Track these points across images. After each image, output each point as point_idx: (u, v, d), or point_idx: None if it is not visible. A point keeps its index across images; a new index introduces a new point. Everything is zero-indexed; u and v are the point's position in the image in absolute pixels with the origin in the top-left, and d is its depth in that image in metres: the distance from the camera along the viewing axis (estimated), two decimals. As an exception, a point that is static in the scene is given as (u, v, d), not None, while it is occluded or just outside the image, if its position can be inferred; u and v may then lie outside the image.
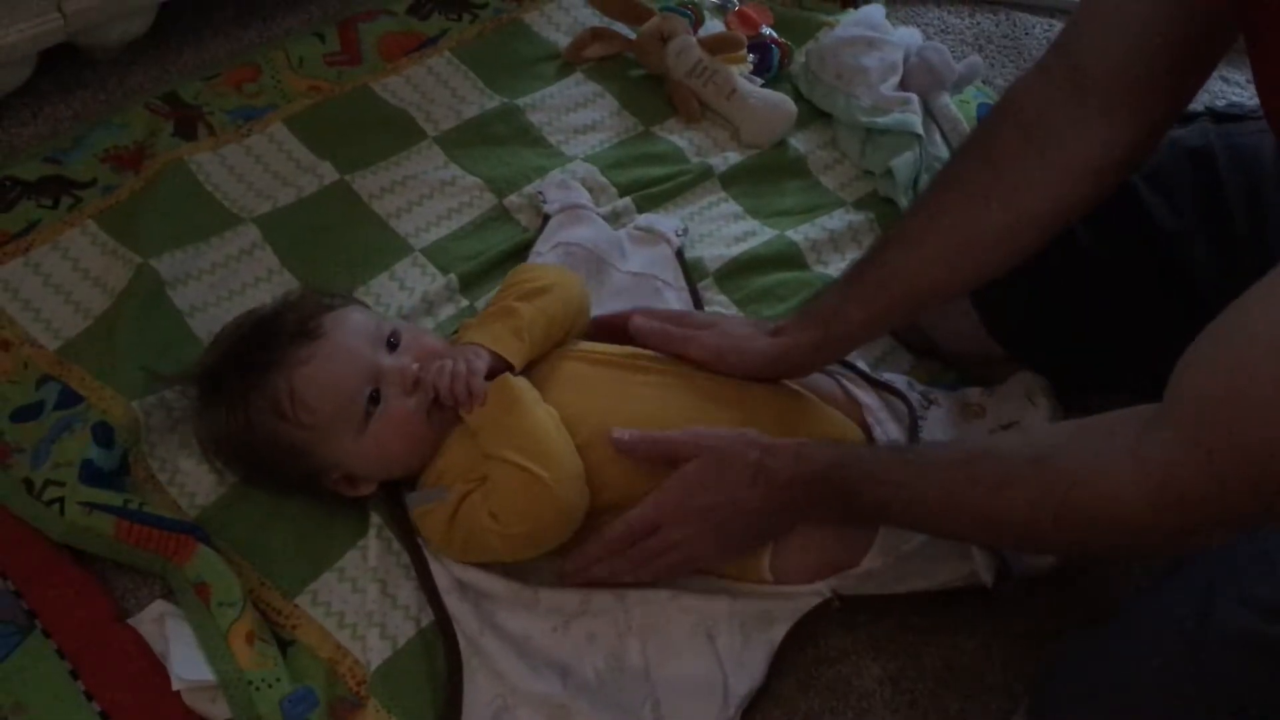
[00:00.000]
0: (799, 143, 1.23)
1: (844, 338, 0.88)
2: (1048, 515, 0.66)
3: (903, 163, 1.16)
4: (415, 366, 0.83)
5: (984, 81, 1.35)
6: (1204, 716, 0.67)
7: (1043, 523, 0.67)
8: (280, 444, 0.82)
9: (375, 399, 0.82)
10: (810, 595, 0.85)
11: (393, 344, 0.84)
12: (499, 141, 1.17)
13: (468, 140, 1.16)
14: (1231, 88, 1.43)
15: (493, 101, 1.20)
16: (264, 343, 0.83)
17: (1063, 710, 0.76)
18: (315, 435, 0.82)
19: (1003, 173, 0.80)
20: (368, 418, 0.82)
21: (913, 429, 0.89)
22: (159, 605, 0.82)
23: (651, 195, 1.14)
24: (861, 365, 0.97)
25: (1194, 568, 0.73)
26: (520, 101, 1.21)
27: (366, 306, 0.96)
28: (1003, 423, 0.95)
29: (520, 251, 1.07)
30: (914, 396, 0.95)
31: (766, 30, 1.30)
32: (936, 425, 0.94)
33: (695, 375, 0.88)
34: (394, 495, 0.87)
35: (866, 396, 0.93)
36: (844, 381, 0.94)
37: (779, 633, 0.84)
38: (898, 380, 0.96)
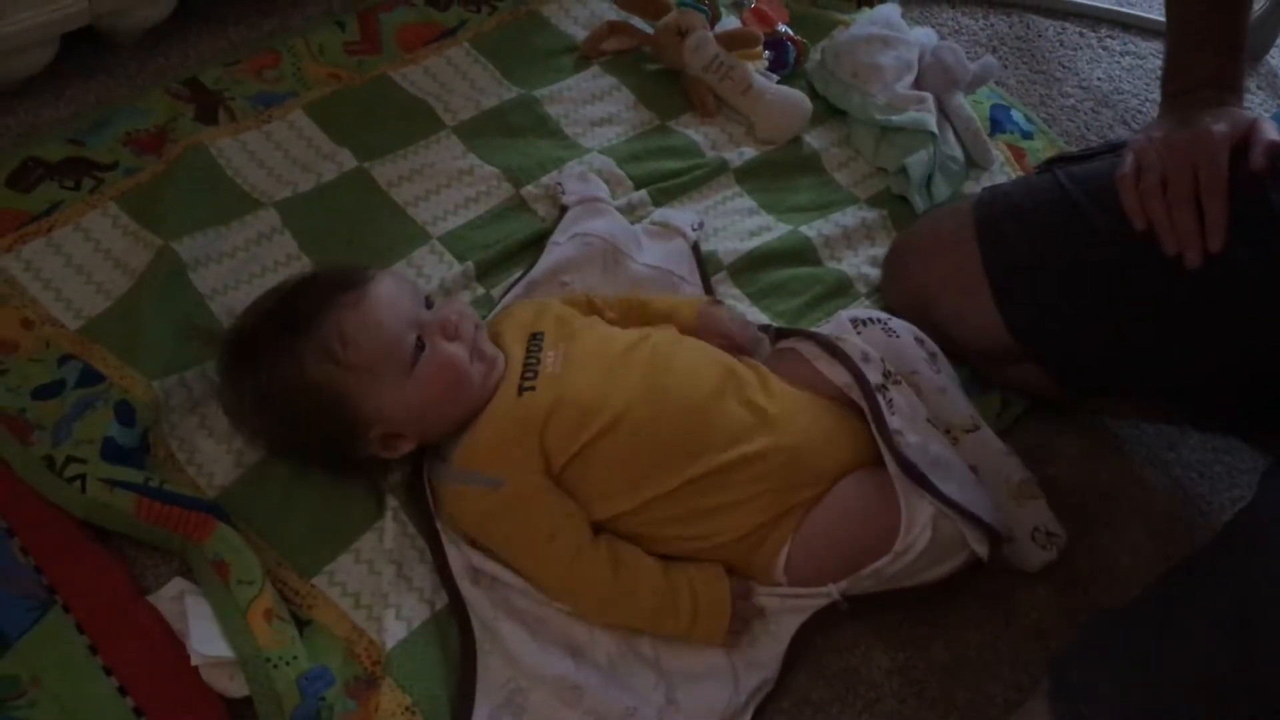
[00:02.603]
0: (813, 139, 1.24)
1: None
2: None
3: (916, 161, 1.17)
4: (455, 315, 0.86)
5: (997, 82, 1.36)
6: (1246, 705, 0.67)
7: None
8: (325, 392, 0.83)
9: (421, 347, 0.84)
10: (818, 597, 0.86)
11: (428, 305, 0.88)
12: (516, 132, 1.18)
13: (485, 130, 1.17)
14: None
15: (510, 93, 1.21)
16: (310, 294, 0.85)
17: (1091, 698, 0.76)
18: (362, 380, 0.83)
19: None
20: (413, 363, 0.84)
21: (876, 414, 0.87)
22: (178, 583, 0.82)
23: (667, 189, 1.15)
24: (841, 320, 0.95)
25: (1224, 553, 0.73)
26: (538, 93, 1.21)
27: None
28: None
29: (537, 241, 1.08)
30: (921, 352, 0.94)
31: (782, 27, 1.30)
32: (954, 388, 0.95)
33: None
34: (411, 479, 0.89)
35: (840, 374, 0.91)
36: (815, 364, 0.92)
37: (787, 632, 0.85)
38: (902, 328, 0.95)
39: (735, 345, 0.95)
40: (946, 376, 0.95)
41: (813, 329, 0.98)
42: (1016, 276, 0.96)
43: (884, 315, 0.96)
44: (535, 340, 0.90)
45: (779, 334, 0.99)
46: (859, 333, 0.93)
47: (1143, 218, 0.88)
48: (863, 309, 1.00)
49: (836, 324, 0.95)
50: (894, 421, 0.87)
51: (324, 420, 0.84)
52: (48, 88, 1.13)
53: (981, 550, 0.84)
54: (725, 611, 0.83)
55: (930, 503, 0.84)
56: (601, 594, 0.83)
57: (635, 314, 0.97)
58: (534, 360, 0.88)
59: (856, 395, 0.90)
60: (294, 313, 0.84)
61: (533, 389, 0.86)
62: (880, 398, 0.88)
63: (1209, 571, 0.74)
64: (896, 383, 0.90)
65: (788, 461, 0.85)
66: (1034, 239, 0.96)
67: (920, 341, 0.95)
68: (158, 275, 0.97)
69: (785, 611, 0.86)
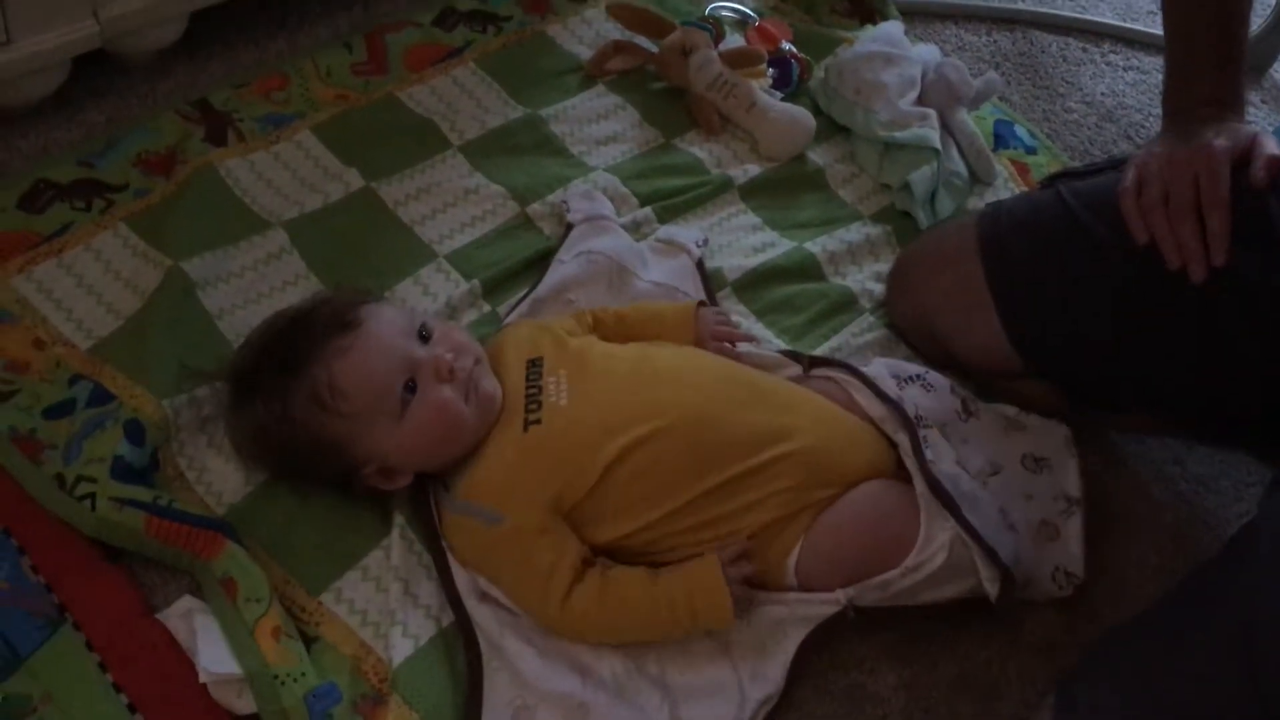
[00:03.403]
0: (817, 156, 1.25)
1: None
2: None
3: (920, 177, 1.17)
4: (449, 356, 0.85)
5: (1000, 98, 1.37)
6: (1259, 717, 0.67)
7: None
8: (319, 437, 0.84)
9: (411, 388, 0.84)
10: (826, 605, 0.85)
11: (424, 336, 0.87)
12: (522, 151, 1.19)
13: (491, 149, 1.18)
14: None
15: (516, 112, 1.22)
16: (301, 336, 0.85)
17: (1096, 713, 0.76)
18: (354, 426, 0.83)
19: None
20: (404, 406, 0.84)
21: (915, 443, 0.89)
22: (186, 600, 0.83)
23: (671, 206, 1.16)
24: (881, 370, 0.97)
25: (1228, 568, 0.73)
26: (543, 112, 1.22)
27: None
28: (1038, 454, 0.96)
29: (543, 259, 1.08)
30: (955, 402, 0.96)
31: (786, 45, 1.31)
32: (976, 438, 0.95)
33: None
34: (417, 496, 0.89)
35: (876, 407, 0.93)
36: (853, 393, 0.94)
37: (794, 642, 0.85)
38: (939, 382, 0.97)
39: (730, 341, 0.97)
40: (973, 425, 0.96)
41: (852, 365, 0.98)
42: (1020, 291, 0.96)
43: (922, 370, 0.97)
44: (534, 366, 0.89)
45: (813, 363, 0.99)
46: (901, 389, 0.94)
47: (1144, 231, 0.89)
48: (902, 363, 1.00)
49: (876, 373, 0.96)
50: (928, 452, 0.88)
51: (319, 458, 0.85)
52: (59, 110, 1.15)
53: (992, 590, 0.84)
54: (724, 593, 0.81)
55: (952, 527, 0.84)
56: (595, 625, 0.82)
57: (615, 329, 0.97)
58: (535, 389, 0.87)
59: (890, 428, 0.90)
60: (287, 355, 0.84)
61: (539, 422, 0.85)
62: (916, 429, 0.89)
63: (1213, 587, 0.74)
64: (928, 427, 0.91)
65: (807, 462, 0.86)
66: (1037, 254, 0.96)
67: (952, 390, 0.97)
68: (167, 295, 0.98)
69: (792, 621, 0.85)
